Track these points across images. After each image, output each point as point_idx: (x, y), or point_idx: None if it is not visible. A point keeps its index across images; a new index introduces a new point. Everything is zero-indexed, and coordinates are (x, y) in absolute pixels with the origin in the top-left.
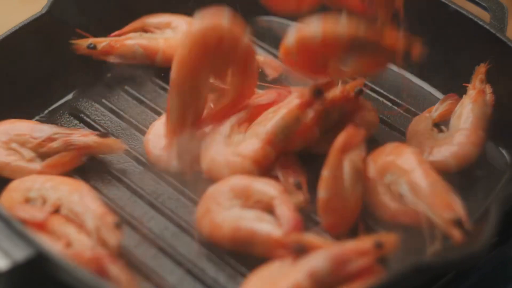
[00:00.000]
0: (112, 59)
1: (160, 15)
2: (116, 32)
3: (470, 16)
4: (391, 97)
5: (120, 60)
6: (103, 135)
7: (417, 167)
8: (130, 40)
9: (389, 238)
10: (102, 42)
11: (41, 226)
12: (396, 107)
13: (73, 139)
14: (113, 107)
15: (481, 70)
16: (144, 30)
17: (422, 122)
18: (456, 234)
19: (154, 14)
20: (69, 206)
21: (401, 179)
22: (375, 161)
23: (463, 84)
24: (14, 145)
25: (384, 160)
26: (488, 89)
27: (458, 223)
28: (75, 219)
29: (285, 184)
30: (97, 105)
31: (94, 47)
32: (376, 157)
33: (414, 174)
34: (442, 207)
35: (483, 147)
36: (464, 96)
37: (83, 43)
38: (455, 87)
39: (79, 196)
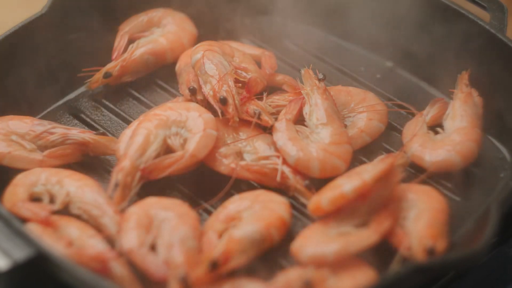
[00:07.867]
0: (127, 78)
1: (134, 18)
2: (116, 53)
3: (470, 16)
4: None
5: (137, 76)
6: (101, 134)
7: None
8: (137, 51)
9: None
10: (114, 67)
11: (44, 223)
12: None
13: (70, 133)
14: (113, 107)
15: (464, 77)
16: (133, 39)
17: (416, 126)
18: (421, 258)
19: (126, 20)
20: (82, 206)
21: (413, 210)
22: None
23: (449, 90)
24: (14, 137)
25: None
26: (475, 92)
27: (430, 252)
28: (90, 220)
29: (296, 184)
30: (97, 105)
31: (111, 75)
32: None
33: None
34: (428, 235)
35: (482, 145)
36: (453, 99)
37: (96, 76)
38: (454, 87)
39: (91, 194)
